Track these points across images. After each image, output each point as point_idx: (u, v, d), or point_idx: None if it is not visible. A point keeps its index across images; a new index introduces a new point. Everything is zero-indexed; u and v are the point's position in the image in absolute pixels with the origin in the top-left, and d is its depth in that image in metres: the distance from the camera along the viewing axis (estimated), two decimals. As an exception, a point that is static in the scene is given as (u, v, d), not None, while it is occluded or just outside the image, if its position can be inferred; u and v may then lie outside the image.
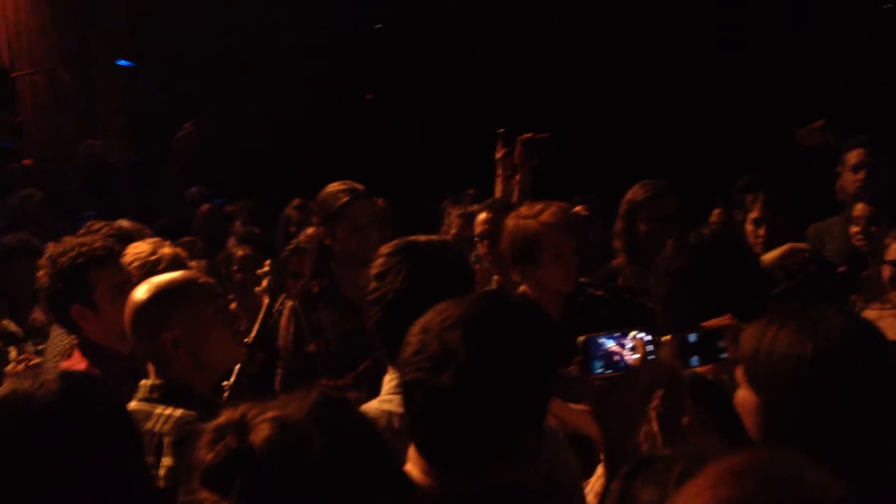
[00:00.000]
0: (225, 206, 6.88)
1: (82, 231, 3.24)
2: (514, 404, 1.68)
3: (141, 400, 2.46)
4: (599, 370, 1.98)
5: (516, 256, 3.54)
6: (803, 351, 1.72)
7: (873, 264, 3.89)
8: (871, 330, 1.82)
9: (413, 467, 1.71)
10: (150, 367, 2.55)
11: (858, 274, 4.15)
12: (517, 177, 4.41)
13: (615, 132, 7.91)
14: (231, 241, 5.75)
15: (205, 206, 6.42)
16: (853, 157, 4.78)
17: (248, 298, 4.77)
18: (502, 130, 4.62)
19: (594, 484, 2.26)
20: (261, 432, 1.27)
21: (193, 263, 4.64)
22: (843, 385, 1.69)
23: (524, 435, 1.70)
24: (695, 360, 2.10)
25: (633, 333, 2.00)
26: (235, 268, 4.98)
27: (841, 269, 4.35)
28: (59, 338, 3.33)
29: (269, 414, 1.29)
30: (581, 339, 1.98)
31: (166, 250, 3.41)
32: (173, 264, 3.24)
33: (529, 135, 4.39)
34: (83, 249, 2.97)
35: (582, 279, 3.76)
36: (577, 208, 4.71)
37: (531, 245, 3.48)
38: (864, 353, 1.73)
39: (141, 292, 2.55)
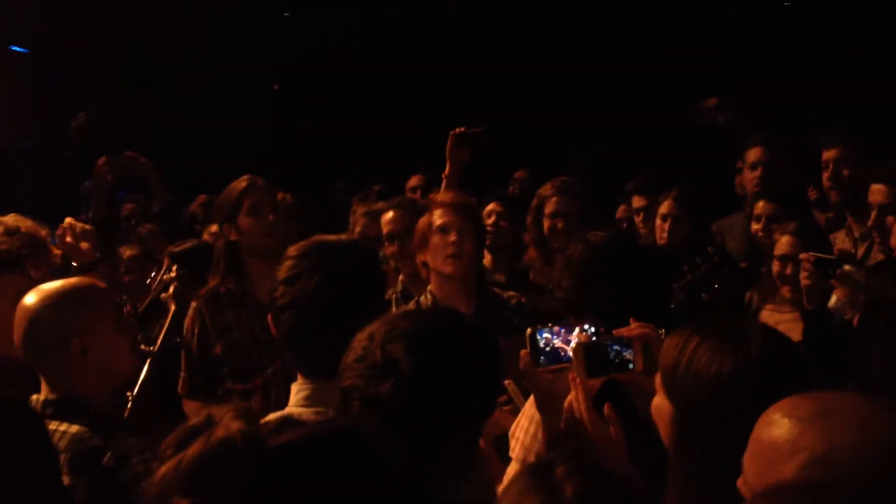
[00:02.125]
0: (126, 198, 6.61)
1: None
2: (451, 421, 1.65)
3: None
4: (545, 363, 1.97)
5: (418, 244, 3.56)
6: (721, 367, 1.73)
7: (769, 261, 4.00)
8: (791, 349, 1.84)
9: None
10: (43, 380, 2.43)
11: (759, 270, 4.25)
12: (446, 170, 4.38)
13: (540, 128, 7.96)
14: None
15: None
16: (751, 154, 4.86)
17: (138, 301, 4.61)
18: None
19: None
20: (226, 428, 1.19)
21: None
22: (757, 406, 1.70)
23: (459, 452, 1.68)
24: (602, 368, 2.09)
25: (577, 329, 2.00)
26: (123, 269, 4.81)
27: (742, 264, 4.46)
28: None
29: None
30: (528, 331, 1.97)
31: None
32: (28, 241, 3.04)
33: (462, 129, 4.35)
34: None
35: (495, 286, 3.78)
36: (491, 205, 4.73)
37: (426, 227, 3.51)
38: (782, 375, 1.73)
39: (40, 298, 2.42)
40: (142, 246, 5.02)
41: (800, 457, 1.28)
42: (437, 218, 3.51)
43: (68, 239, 3.43)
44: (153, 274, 4.47)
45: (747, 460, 1.37)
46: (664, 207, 4.57)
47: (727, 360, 1.73)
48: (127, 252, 4.88)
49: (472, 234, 3.52)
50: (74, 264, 3.46)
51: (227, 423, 1.19)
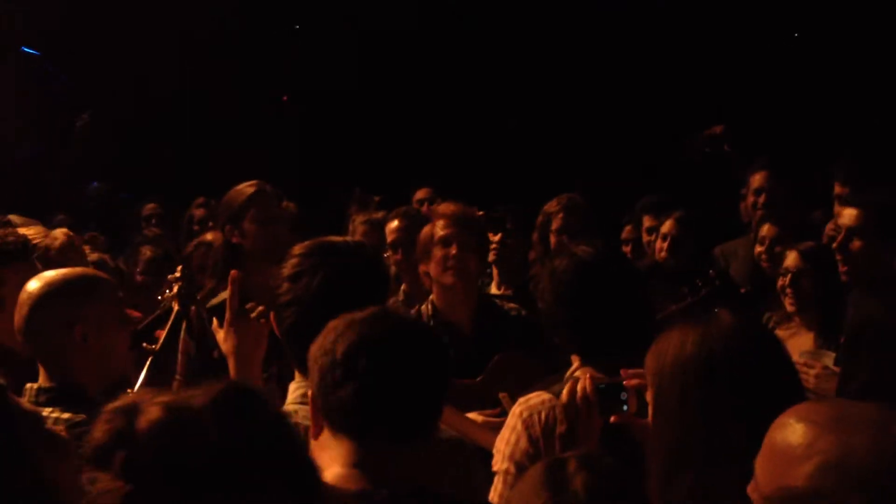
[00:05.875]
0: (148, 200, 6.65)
1: None
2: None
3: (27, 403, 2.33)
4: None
5: (421, 254, 3.55)
6: (683, 349, 1.80)
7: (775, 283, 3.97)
8: (762, 337, 1.89)
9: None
10: (42, 369, 2.42)
11: (762, 294, 4.23)
12: None
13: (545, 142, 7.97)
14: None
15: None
16: (755, 180, 4.87)
17: (148, 301, 4.60)
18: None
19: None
20: (149, 415, 1.24)
21: (95, 256, 4.47)
22: (727, 386, 1.76)
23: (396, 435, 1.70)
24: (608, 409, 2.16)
25: None
26: (139, 269, 4.81)
27: (743, 289, 4.44)
28: None
29: (164, 398, 1.27)
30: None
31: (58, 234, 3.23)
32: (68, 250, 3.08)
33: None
34: None
35: (497, 291, 3.76)
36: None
37: (429, 238, 3.49)
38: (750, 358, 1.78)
39: (43, 283, 2.42)
40: (163, 249, 5.02)
41: (814, 460, 1.27)
42: (439, 229, 3.51)
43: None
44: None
45: (759, 464, 1.36)
46: (666, 227, 4.63)
47: (692, 338, 1.80)
48: (147, 252, 4.88)
49: (474, 247, 3.51)
50: None
51: (150, 408, 1.25)
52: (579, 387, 2.11)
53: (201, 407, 1.26)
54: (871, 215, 3.45)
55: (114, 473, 1.21)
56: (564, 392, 2.12)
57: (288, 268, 2.24)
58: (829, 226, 4.11)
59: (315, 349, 1.75)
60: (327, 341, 1.73)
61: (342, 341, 1.71)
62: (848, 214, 3.57)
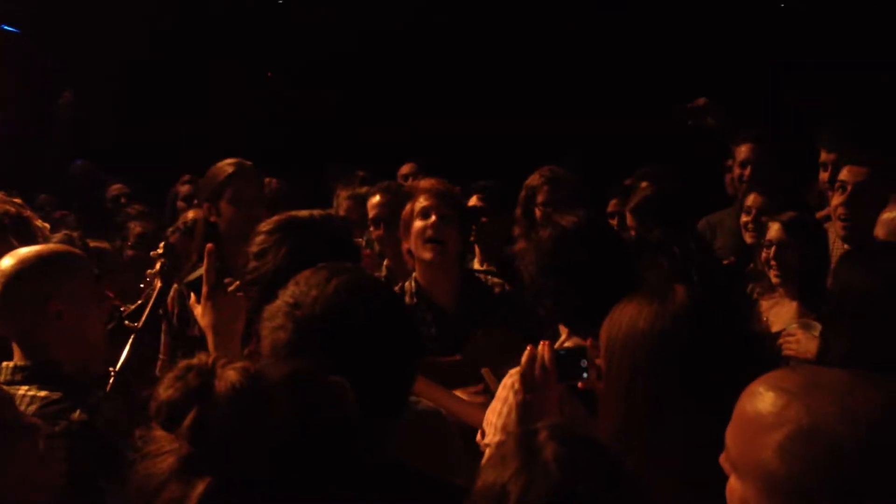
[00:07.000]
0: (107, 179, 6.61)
1: None
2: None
3: (2, 383, 2.30)
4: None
5: (403, 231, 3.52)
6: (635, 325, 1.81)
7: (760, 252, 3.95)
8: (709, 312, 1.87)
9: None
10: (16, 347, 2.40)
11: (747, 265, 4.22)
12: None
13: (525, 117, 7.94)
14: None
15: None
16: (741, 152, 4.85)
17: (139, 276, 4.57)
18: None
19: None
20: (227, 377, 1.23)
21: (59, 235, 4.42)
22: (676, 365, 1.76)
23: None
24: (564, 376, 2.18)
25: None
26: (129, 243, 4.81)
27: (726, 261, 4.42)
28: None
29: (241, 364, 1.26)
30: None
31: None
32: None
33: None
34: None
35: (480, 267, 3.73)
36: (472, 200, 4.68)
37: (409, 214, 3.46)
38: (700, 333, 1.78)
39: (17, 260, 2.39)
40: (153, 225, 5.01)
41: (784, 429, 1.26)
42: (419, 203, 3.47)
43: None
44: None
45: (730, 434, 1.35)
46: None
47: (644, 314, 1.81)
48: (137, 228, 4.86)
49: (455, 221, 3.45)
50: None
51: (227, 371, 1.24)
52: (538, 354, 2.10)
53: (277, 380, 1.25)
54: (879, 172, 3.45)
55: (179, 433, 1.19)
56: (522, 360, 2.11)
57: (254, 245, 2.27)
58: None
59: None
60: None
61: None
62: (855, 171, 3.56)
